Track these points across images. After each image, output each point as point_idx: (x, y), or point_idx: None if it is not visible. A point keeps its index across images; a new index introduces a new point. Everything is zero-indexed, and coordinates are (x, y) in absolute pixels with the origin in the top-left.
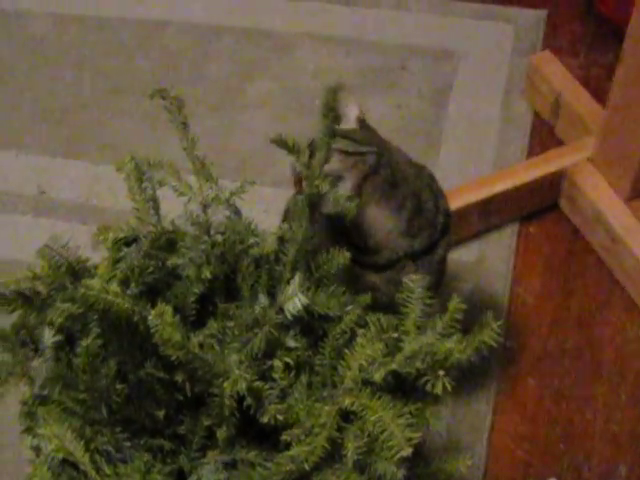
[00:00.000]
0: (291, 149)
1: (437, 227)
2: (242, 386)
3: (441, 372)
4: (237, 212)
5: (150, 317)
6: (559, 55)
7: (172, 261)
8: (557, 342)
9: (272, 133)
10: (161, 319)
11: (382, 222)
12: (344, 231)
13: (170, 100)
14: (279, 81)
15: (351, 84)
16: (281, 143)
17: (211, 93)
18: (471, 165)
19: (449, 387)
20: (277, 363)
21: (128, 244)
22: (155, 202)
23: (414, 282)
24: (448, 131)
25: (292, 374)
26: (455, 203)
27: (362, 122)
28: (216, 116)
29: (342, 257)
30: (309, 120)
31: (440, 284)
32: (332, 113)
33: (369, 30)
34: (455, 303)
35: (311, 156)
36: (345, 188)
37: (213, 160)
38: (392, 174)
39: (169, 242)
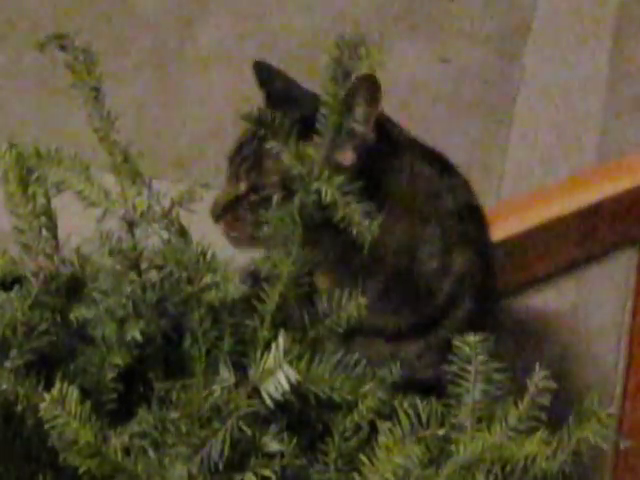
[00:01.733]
0: (272, 129)
1: (438, 299)
2: None
3: None
4: (183, 232)
5: (43, 404)
6: None
7: (78, 313)
8: None
9: (235, 107)
10: (61, 408)
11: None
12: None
13: (74, 52)
14: (244, 22)
15: (369, 25)
16: (256, 120)
17: (139, 42)
18: (560, 155)
19: None
20: (250, 478)
21: (5, 287)
22: (50, 218)
23: (471, 346)
24: (523, 99)
25: None
26: (533, 217)
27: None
28: (148, 79)
29: (356, 306)
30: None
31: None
32: (344, 79)
33: None
34: (538, 379)
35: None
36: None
37: (143, 150)
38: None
39: (73, 283)
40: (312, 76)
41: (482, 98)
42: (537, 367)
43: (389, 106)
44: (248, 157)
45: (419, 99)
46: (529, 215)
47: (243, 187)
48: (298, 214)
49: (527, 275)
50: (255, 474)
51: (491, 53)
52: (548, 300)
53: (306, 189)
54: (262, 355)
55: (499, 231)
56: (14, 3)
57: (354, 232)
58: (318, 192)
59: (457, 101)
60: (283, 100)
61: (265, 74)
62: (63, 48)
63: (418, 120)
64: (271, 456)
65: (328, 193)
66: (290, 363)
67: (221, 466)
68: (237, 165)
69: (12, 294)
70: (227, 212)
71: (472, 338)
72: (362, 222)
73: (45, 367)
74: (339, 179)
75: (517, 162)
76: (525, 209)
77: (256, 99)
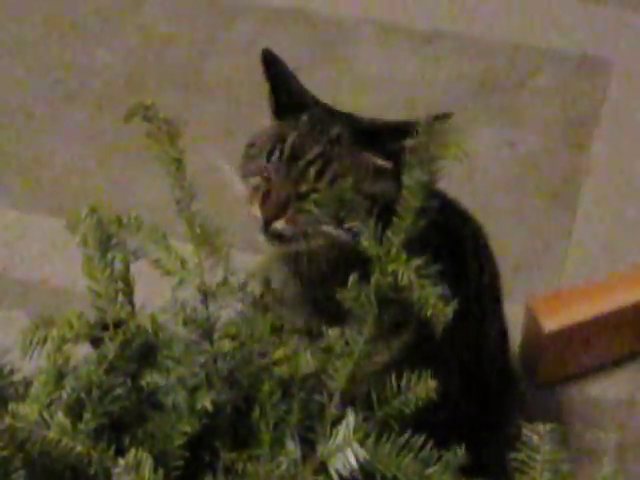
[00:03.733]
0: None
1: None
2: None
3: None
4: (257, 305)
5: (117, 469)
6: None
7: (150, 379)
8: None
9: None
10: (135, 473)
11: None
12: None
13: (157, 123)
14: (319, 94)
15: (432, 103)
16: None
17: (211, 108)
18: (624, 245)
19: None
20: None
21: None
22: (127, 284)
23: (539, 434)
24: (589, 188)
25: None
26: (594, 306)
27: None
28: (219, 147)
29: (425, 387)
30: None
31: None
32: (429, 164)
33: (470, 21)
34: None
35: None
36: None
37: (221, 221)
38: None
39: (146, 349)
40: None
41: (547, 185)
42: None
43: (453, 185)
44: (316, 159)
45: (484, 181)
46: (589, 304)
47: (306, 187)
48: (374, 295)
49: (584, 363)
50: None
51: (559, 140)
52: (605, 390)
53: (382, 270)
54: (331, 431)
55: (559, 318)
56: (85, 61)
57: (428, 314)
58: (394, 274)
59: (522, 186)
60: (287, 95)
61: (273, 66)
62: (147, 118)
63: (481, 202)
64: None
65: (404, 275)
66: (359, 441)
67: None
68: (303, 165)
69: (89, 356)
70: (286, 208)
71: (541, 427)
72: (436, 305)
73: (115, 431)
74: (416, 261)
75: (580, 251)
76: (586, 298)
77: None
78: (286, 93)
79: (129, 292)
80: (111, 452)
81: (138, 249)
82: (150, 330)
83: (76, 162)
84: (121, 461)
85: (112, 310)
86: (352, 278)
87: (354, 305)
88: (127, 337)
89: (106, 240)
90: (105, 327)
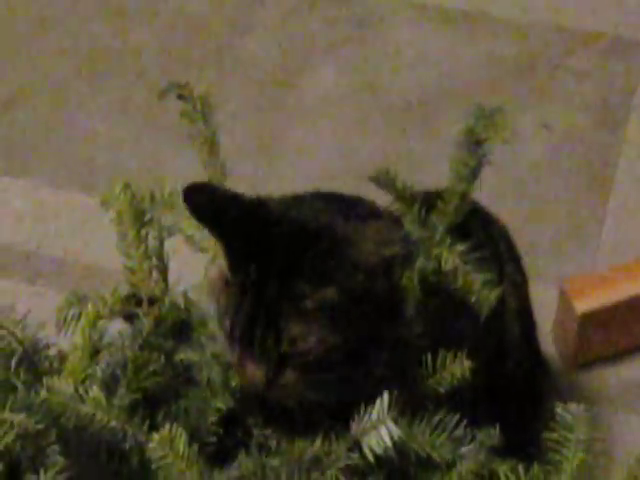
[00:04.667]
0: (399, 193)
1: None
2: None
3: None
4: None
5: (152, 444)
6: None
7: (184, 356)
8: None
9: (339, 159)
10: (170, 449)
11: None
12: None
13: (192, 101)
14: (352, 73)
15: (466, 83)
16: (383, 183)
17: (242, 88)
18: None
19: None
20: None
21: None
22: (161, 260)
23: (573, 413)
24: (624, 169)
25: None
26: (630, 287)
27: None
28: (247, 127)
29: (460, 367)
30: (401, 139)
31: None
32: (475, 148)
33: (504, 1)
34: None
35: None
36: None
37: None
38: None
39: (180, 326)
40: (413, 132)
41: (582, 166)
42: None
43: (488, 168)
44: (263, 329)
45: (518, 163)
46: (623, 286)
47: (271, 364)
48: (417, 278)
49: (618, 346)
50: None
51: (593, 121)
52: (638, 372)
53: (427, 254)
54: (365, 409)
55: (593, 300)
56: (120, 39)
57: (472, 301)
58: (438, 259)
59: (556, 168)
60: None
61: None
62: (181, 97)
63: (515, 184)
64: None
65: (449, 260)
66: (393, 419)
67: None
68: (255, 341)
69: (123, 332)
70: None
71: (575, 407)
72: (481, 292)
73: (149, 406)
74: (461, 247)
75: (614, 232)
76: (620, 280)
77: (358, 156)
78: (234, 234)
79: (163, 269)
80: (145, 427)
81: (172, 226)
82: (183, 307)
83: (110, 139)
84: (155, 436)
85: (146, 286)
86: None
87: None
88: (161, 313)
89: (140, 216)
90: (139, 303)
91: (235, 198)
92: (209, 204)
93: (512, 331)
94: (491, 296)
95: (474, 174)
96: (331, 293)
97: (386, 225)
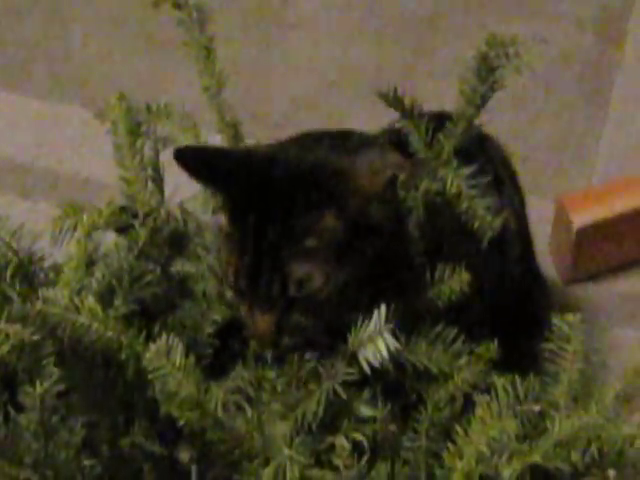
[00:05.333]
0: (407, 111)
1: None
2: (294, 474)
3: (611, 472)
4: None
5: (148, 354)
6: None
7: (180, 267)
8: None
9: (336, 70)
10: (166, 360)
11: None
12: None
13: (187, 11)
14: None
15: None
16: (392, 101)
17: (242, 1)
18: None
19: None
20: (341, 441)
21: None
22: (157, 171)
23: (570, 323)
24: (621, 84)
25: (365, 459)
26: (625, 202)
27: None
28: (248, 40)
29: (459, 280)
30: (397, 52)
31: None
32: (487, 75)
33: None
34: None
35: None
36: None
37: (249, 109)
38: None
39: (176, 238)
40: (413, 45)
41: (579, 81)
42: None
43: None
44: (268, 276)
45: (515, 78)
46: (620, 200)
47: (279, 310)
48: (421, 198)
49: (614, 260)
50: (347, 437)
51: (592, 36)
52: (635, 285)
53: (432, 175)
54: (362, 321)
55: (590, 214)
56: None
57: (475, 226)
58: (443, 181)
59: (553, 82)
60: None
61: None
62: (177, 6)
63: (512, 99)
64: (363, 421)
65: (454, 183)
66: (390, 332)
67: (315, 427)
68: (261, 289)
69: (119, 243)
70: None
71: (572, 317)
72: (485, 217)
73: (145, 318)
74: (467, 170)
75: (612, 147)
76: (616, 194)
77: (355, 67)
78: (229, 186)
79: (159, 180)
80: (141, 338)
81: (168, 137)
82: (179, 218)
83: (105, 52)
84: (152, 347)
85: (142, 197)
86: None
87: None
88: (157, 224)
89: (135, 128)
90: (135, 215)
91: (225, 152)
92: (201, 162)
93: (512, 252)
94: (494, 222)
95: (484, 100)
96: (330, 220)
97: (379, 152)
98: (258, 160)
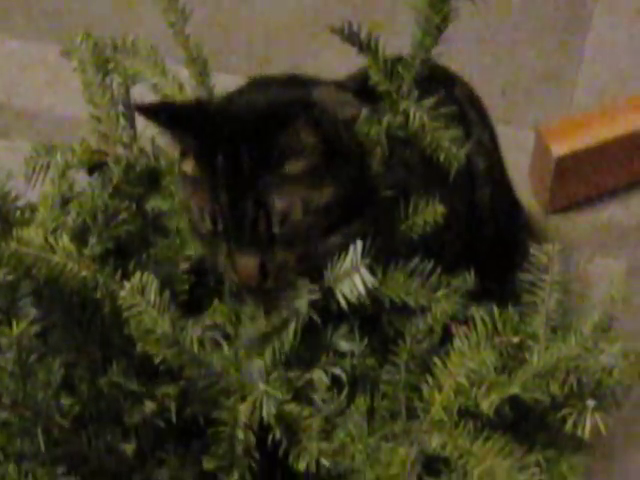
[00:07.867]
0: (363, 46)
1: None
2: (270, 410)
3: (590, 402)
4: None
5: (123, 292)
6: None
7: (154, 204)
8: None
9: (305, 7)
10: (141, 297)
11: None
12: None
13: None
14: None
15: None
16: (347, 36)
17: None
18: (634, 71)
19: (602, 428)
20: (319, 375)
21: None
22: (128, 108)
23: (548, 254)
24: (600, 13)
25: (344, 394)
26: (604, 131)
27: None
28: None
29: (432, 212)
30: None
31: None
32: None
33: None
34: (614, 293)
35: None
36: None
37: (215, 44)
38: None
39: (149, 174)
40: None
41: (558, 10)
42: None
43: (469, 14)
44: (251, 214)
45: (493, 8)
46: (600, 129)
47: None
48: (384, 133)
49: (594, 189)
50: (325, 372)
51: None
52: (615, 215)
53: (394, 108)
54: (338, 257)
55: (570, 143)
56: None
57: (441, 158)
58: (405, 114)
59: (533, 12)
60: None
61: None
62: None
63: (492, 29)
64: (342, 355)
65: (416, 116)
66: (366, 267)
67: (292, 361)
68: (244, 230)
69: (93, 181)
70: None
71: (550, 248)
72: (450, 148)
73: (120, 257)
74: (429, 101)
75: (591, 76)
76: (596, 123)
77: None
78: (192, 130)
79: (130, 116)
80: (117, 277)
81: (137, 73)
82: (151, 154)
83: None
84: (126, 284)
85: (114, 134)
86: (364, 112)
87: (365, 140)
88: (130, 161)
89: (103, 64)
90: (107, 154)
91: (185, 104)
92: (162, 111)
93: (482, 190)
94: (459, 153)
95: (439, 30)
96: (306, 135)
97: (336, 90)
98: (217, 103)
